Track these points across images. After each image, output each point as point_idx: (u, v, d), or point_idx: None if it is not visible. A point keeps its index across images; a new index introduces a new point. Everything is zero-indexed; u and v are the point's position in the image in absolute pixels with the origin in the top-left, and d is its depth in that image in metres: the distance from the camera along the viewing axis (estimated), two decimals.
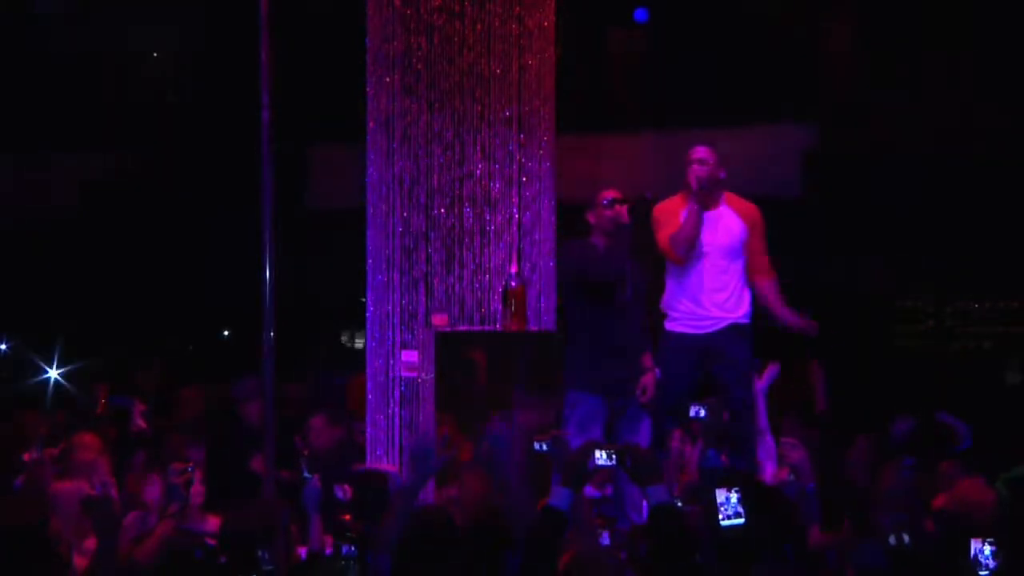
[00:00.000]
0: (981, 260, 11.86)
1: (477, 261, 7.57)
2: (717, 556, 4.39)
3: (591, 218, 7.29)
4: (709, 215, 7.07)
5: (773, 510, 4.51)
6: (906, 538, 4.57)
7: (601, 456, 4.52)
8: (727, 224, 7.12)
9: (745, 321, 7.08)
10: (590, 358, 7.03)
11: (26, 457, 5.65)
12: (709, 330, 7.04)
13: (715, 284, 7.05)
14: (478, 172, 7.51)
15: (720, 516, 4.34)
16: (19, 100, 12.99)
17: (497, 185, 7.57)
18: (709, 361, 7.02)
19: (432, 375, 7.36)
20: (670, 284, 7.18)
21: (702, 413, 5.13)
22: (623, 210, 7.12)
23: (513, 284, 7.38)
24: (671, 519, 4.35)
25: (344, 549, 4.05)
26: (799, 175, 12.38)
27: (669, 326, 7.16)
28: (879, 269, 12.04)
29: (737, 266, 7.13)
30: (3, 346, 12.32)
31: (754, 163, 11.74)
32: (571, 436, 6.82)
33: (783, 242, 7.50)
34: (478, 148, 7.54)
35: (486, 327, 7.54)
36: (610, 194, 7.22)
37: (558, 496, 4.43)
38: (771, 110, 12.07)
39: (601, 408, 6.99)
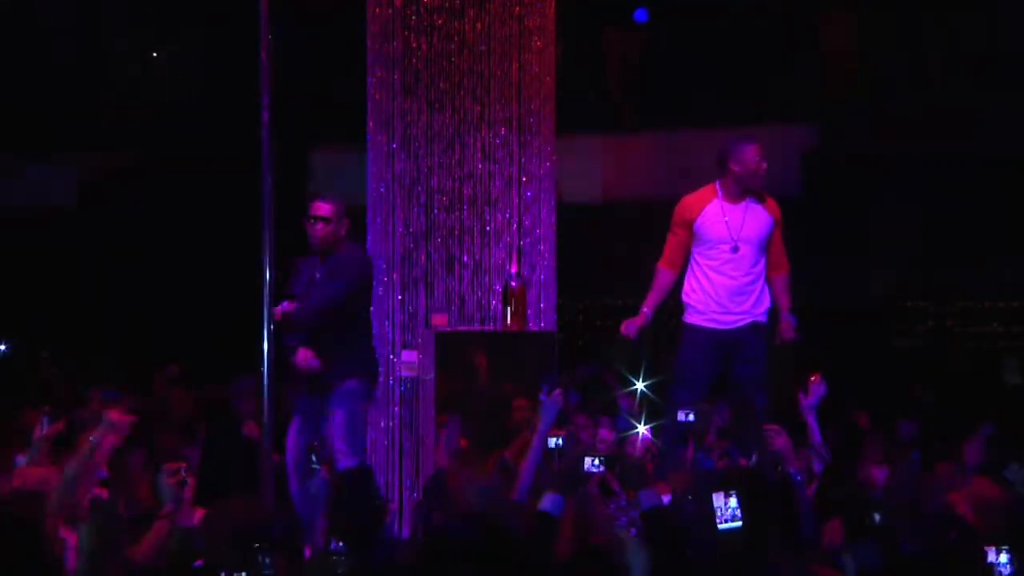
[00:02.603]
0: (981, 260, 11.86)
1: (477, 261, 7.58)
2: (715, 560, 4.35)
3: None
4: (741, 207, 6.98)
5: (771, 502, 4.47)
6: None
7: (591, 462, 4.52)
8: (757, 217, 7.03)
9: (764, 319, 7.01)
10: None
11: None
12: (732, 326, 6.97)
13: (746, 278, 6.96)
14: (478, 172, 7.52)
15: (717, 520, 4.31)
16: (19, 101, 12.98)
17: (497, 185, 7.58)
18: (728, 357, 6.94)
19: (432, 375, 7.36)
20: (694, 276, 6.98)
21: (691, 417, 5.10)
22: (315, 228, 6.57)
23: (513, 284, 7.37)
24: (662, 522, 4.34)
25: (333, 545, 4.02)
26: (799, 175, 12.38)
27: (690, 319, 6.98)
28: (879, 269, 12.04)
29: (763, 260, 7.05)
30: (2, 347, 12.30)
31: None
32: None
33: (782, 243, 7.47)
34: (478, 148, 7.54)
35: (486, 327, 7.55)
36: (312, 210, 6.61)
37: (550, 502, 4.41)
38: (771, 110, 12.06)
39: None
